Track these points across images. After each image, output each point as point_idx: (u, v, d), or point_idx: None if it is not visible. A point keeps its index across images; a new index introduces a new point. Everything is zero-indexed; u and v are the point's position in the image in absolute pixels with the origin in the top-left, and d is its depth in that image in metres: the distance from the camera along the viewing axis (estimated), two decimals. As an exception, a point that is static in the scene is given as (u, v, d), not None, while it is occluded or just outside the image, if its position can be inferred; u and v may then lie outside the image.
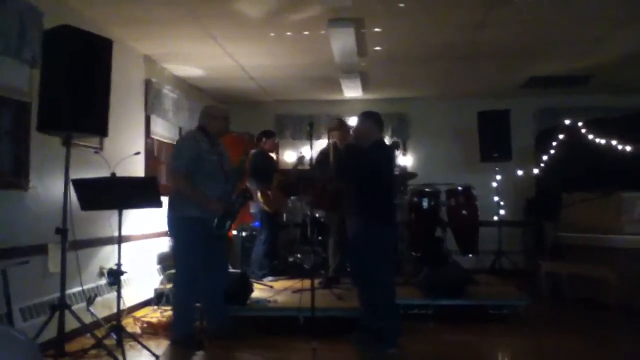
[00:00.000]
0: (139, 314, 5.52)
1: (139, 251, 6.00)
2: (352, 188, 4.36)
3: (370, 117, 4.45)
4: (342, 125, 5.95)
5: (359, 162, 4.26)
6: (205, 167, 4.36)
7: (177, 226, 4.44)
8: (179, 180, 4.36)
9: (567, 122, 7.50)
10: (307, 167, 6.63)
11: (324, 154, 6.00)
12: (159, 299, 5.86)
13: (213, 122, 4.58)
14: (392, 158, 4.63)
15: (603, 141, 6.96)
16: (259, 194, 6.39)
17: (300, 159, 6.71)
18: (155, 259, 6.48)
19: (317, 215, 6.64)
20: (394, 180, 4.72)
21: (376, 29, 5.56)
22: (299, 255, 7.33)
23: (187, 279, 4.44)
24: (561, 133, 7.49)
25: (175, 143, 4.58)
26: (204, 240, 4.37)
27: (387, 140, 7.44)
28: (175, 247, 4.69)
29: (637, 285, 5.50)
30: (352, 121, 8.53)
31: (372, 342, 4.20)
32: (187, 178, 4.31)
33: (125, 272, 4.36)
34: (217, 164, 4.45)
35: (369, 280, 4.23)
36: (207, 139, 4.47)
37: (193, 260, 4.40)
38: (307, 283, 5.39)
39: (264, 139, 6.75)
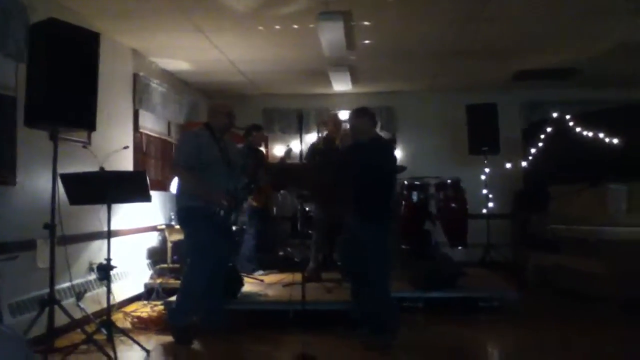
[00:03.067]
0: (129, 309, 5.51)
1: (129, 246, 5.97)
2: (353, 187, 4.32)
3: (364, 114, 4.45)
4: (336, 120, 5.94)
5: (360, 160, 4.25)
6: (205, 160, 4.45)
7: (181, 216, 4.63)
8: (179, 174, 4.59)
9: (554, 115, 7.54)
10: (295, 159, 6.61)
11: (314, 148, 6.00)
12: (149, 293, 5.84)
13: (215, 117, 4.70)
14: (392, 153, 4.61)
15: (590, 134, 7.01)
16: None
17: (288, 151, 6.67)
18: (145, 254, 6.46)
19: (307, 209, 6.63)
20: (395, 175, 4.71)
21: (365, 22, 5.55)
22: (289, 249, 7.33)
23: (195, 269, 4.47)
24: (549, 126, 7.54)
25: None
26: (208, 230, 4.40)
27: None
28: (185, 238, 4.84)
29: (624, 276, 5.55)
30: (343, 115, 8.62)
31: (371, 334, 4.22)
32: (186, 171, 4.45)
33: (115, 267, 4.35)
34: (219, 157, 4.55)
35: (372, 275, 4.22)
36: (210, 134, 4.59)
37: (199, 250, 4.45)
38: (297, 276, 5.40)
39: (254, 133, 6.72)
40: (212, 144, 4.55)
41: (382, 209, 4.24)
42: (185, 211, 4.51)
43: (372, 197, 4.20)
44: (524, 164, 8.01)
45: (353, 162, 4.32)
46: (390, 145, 4.71)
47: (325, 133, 5.90)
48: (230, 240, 4.89)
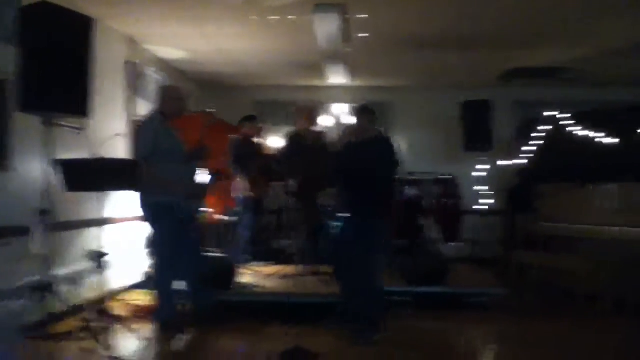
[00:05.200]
0: (126, 296, 5.46)
1: (128, 234, 5.91)
2: (354, 184, 4.35)
3: (366, 112, 4.53)
4: (312, 112, 5.98)
5: (361, 157, 4.29)
6: (164, 149, 4.27)
7: (145, 212, 4.41)
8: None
9: (547, 113, 7.59)
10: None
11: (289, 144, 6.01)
12: (147, 282, 5.79)
13: (168, 103, 4.50)
14: (392, 151, 4.62)
15: (582, 133, 7.07)
16: (239, 179, 6.33)
17: None
18: (144, 242, 6.38)
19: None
20: (393, 172, 4.74)
21: (361, 15, 5.53)
22: (287, 241, 7.28)
23: (162, 263, 4.41)
24: (541, 124, 7.59)
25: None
26: (171, 225, 4.32)
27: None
28: (153, 232, 4.62)
29: (611, 275, 5.59)
30: (335, 108, 8.60)
31: (357, 328, 4.22)
32: (145, 163, 4.22)
33: (107, 254, 4.30)
34: (176, 145, 4.41)
35: (363, 271, 4.26)
36: (164, 120, 4.41)
37: (165, 245, 4.36)
38: (292, 269, 5.42)
39: (247, 124, 6.68)
40: (168, 132, 4.39)
41: (381, 205, 4.28)
42: (148, 207, 4.33)
43: (372, 194, 4.24)
44: (516, 161, 8.06)
45: (355, 160, 4.33)
46: (392, 143, 4.69)
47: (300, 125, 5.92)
48: (193, 230, 4.69)
